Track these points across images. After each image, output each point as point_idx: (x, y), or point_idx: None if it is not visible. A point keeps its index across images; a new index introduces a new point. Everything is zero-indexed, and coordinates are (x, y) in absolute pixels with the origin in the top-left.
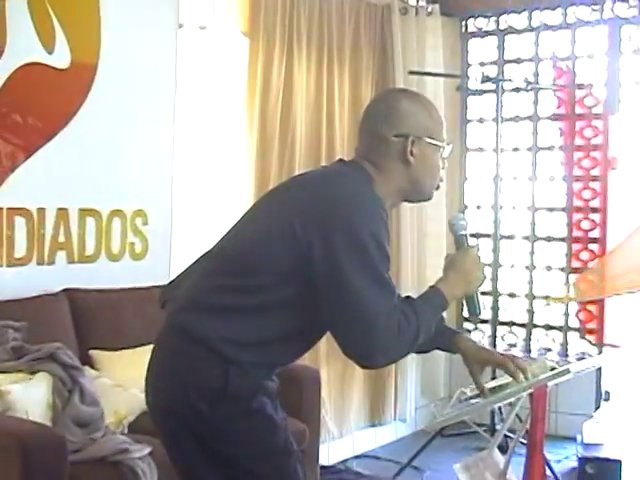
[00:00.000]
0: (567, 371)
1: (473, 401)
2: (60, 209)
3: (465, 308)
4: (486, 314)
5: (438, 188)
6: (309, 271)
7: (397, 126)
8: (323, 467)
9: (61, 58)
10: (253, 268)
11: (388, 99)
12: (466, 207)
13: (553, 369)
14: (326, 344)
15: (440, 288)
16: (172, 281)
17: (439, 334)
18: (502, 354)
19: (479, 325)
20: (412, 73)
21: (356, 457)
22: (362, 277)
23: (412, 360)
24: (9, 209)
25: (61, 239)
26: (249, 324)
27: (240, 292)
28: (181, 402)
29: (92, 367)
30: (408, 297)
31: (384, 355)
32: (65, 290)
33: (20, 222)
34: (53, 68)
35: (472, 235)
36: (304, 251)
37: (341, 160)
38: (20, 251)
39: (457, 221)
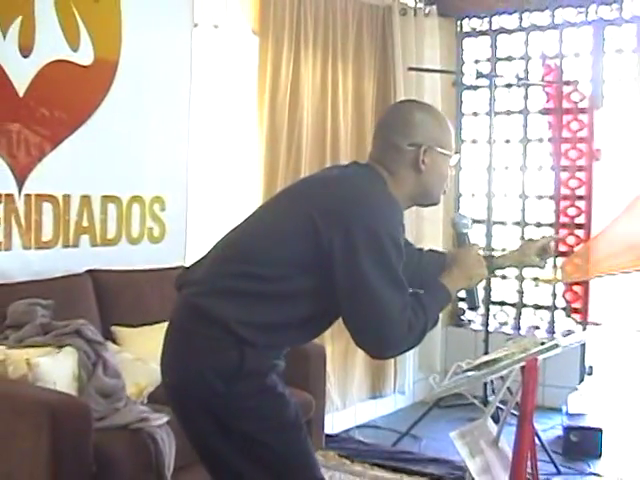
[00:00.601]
0: (556, 345)
1: (469, 374)
2: (84, 196)
3: (466, 300)
4: (480, 300)
5: (445, 193)
6: (328, 266)
7: (410, 136)
8: (328, 435)
9: (85, 55)
10: (272, 259)
11: (402, 110)
12: (461, 195)
13: (543, 344)
14: None
15: (444, 284)
16: (188, 267)
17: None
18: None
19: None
20: (411, 69)
21: (358, 427)
22: (379, 275)
23: None
24: (37, 196)
25: (85, 224)
26: (266, 309)
27: (258, 279)
28: (197, 381)
29: (114, 342)
30: (415, 293)
31: (395, 349)
32: (89, 271)
33: (47, 208)
34: (78, 65)
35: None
36: (325, 247)
37: (356, 162)
38: (47, 235)
39: (459, 220)
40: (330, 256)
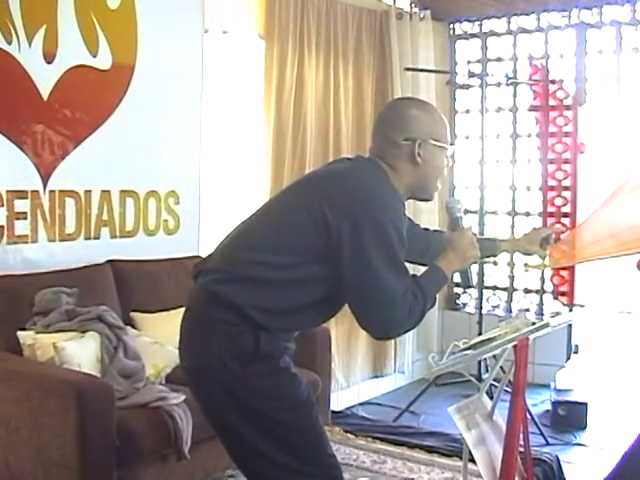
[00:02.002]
0: (547, 325)
1: (465, 352)
2: (104, 191)
3: (460, 279)
4: (473, 279)
5: (438, 189)
6: (336, 254)
7: (406, 131)
8: (333, 412)
9: (104, 60)
10: (283, 248)
11: (398, 107)
12: (455, 187)
13: (534, 324)
14: None
15: (441, 266)
16: (205, 257)
17: (484, 249)
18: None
19: (467, 289)
20: (407, 69)
21: (361, 404)
22: (383, 262)
23: None
24: (60, 191)
25: (105, 217)
26: (279, 295)
27: (270, 267)
28: (215, 364)
29: (133, 327)
30: (413, 276)
31: (397, 330)
32: (109, 261)
33: (70, 203)
34: (97, 69)
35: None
36: (333, 236)
37: (360, 156)
38: (70, 228)
39: (454, 204)
40: (338, 245)
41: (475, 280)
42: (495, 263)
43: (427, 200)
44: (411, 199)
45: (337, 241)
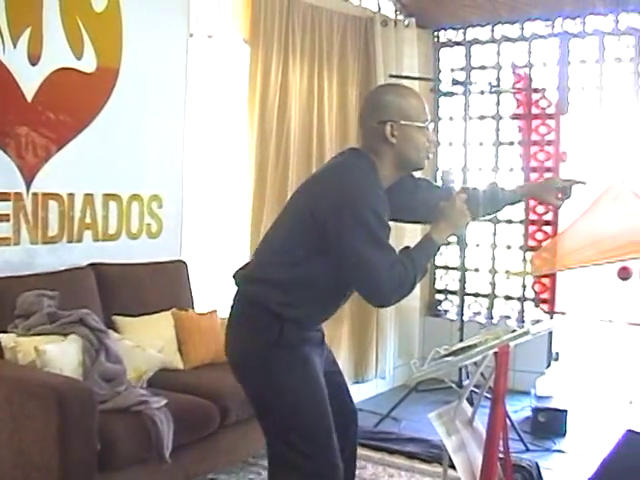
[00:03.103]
0: (527, 332)
1: (446, 359)
2: (87, 194)
3: (457, 242)
4: (454, 286)
5: (429, 158)
6: (328, 244)
7: (378, 115)
8: None
9: (88, 63)
10: (291, 246)
11: (373, 95)
12: None
13: (514, 331)
14: None
15: (432, 237)
16: (244, 265)
17: (503, 197)
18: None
19: (448, 296)
20: (392, 76)
21: None
22: (365, 243)
23: (390, 326)
24: (44, 194)
25: (88, 220)
26: (296, 290)
27: (285, 265)
28: (249, 349)
29: (115, 330)
30: (407, 247)
31: (389, 298)
32: (91, 264)
33: (53, 206)
34: (81, 72)
35: None
36: (322, 229)
37: (352, 149)
38: (53, 230)
39: (447, 176)
40: (327, 236)
41: (458, 286)
42: (477, 270)
43: (420, 169)
44: (405, 173)
45: (325, 233)
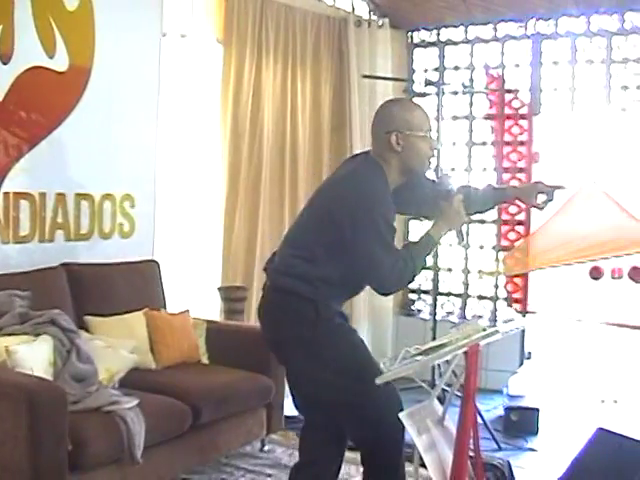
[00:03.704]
0: (496, 331)
1: (417, 358)
2: (59, 194)
3: (457, 237)
4: (427, 286)
5: (430, 163)
6: (343, 243)
7: (386, 125)
8: (287, 417)
9: (61, 62)
10: (308, 242)
11: (382, 108)
12: None
13: (484, 330)
14: None
15: (431, 234)
16: (271, 256)
17: (494, 196)
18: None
19: (422, 295)
20: (365, 77)
21: None
22: (374, 244)
23: (364, 326)
24: (15, 193)
25: (60, 220)
26: (318, 283)
27: (304, 260)
28: (288, 332)
29: (87, 331)
30: (408, 243)
31: (391, 289)
32: (63, 264)
33: (24, 205)
34: (54, 71)
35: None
36: (338, 231)
37: (365, 154)
38: (24, 230)
39: (445, 179)
40: (342, 234)
41: (431, 286)
42: (449, 270)
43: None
44: (408, 178)
45: (341, 233)
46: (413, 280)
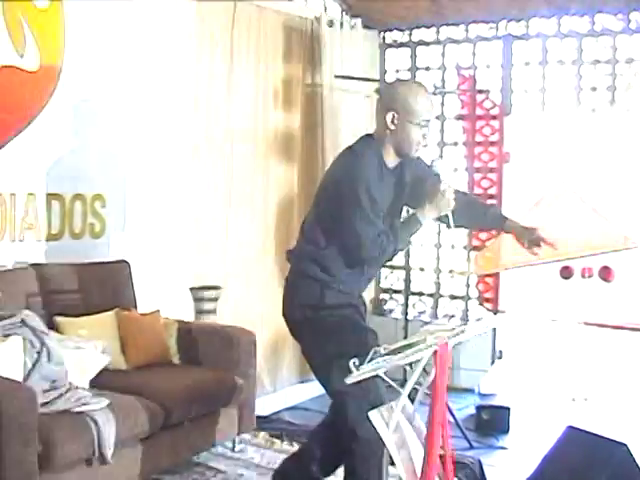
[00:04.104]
0: (463, 331)
1: (385, 357)
2: (29, 194)
3: (445, 222)
4: (399, 285)
5: (417, 150)
6: (334, 218)
7: (387, 102)
8: (259, 417)
9: (31, 61)
10: (315, 225)
11: (392, 84)
12: None
13: (453, 329)
14: (261, 310)
15: (418, 216)
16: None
17: (484, 219)
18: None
19: (393, 295)
20: (337, 77)
21: (288, 409)
22: (356, 217)
23: None
24: None
25: (30, 220)
26: (328, 261)
27: (312, 242)
28: (297, 313)
29: (57, 331)
30: (393, 223)
31: (372, 262)
32: (33, 264)
33: None
34: (24, 70)
35: None
36: (331, 206)
37: (366, 134)
38: None
39: (435, 166)
40: (333, 210)
41: (402, 285)
42: (422, 269)
43: (411, 155)
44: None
45: (332, 209)
46: (395, 254)
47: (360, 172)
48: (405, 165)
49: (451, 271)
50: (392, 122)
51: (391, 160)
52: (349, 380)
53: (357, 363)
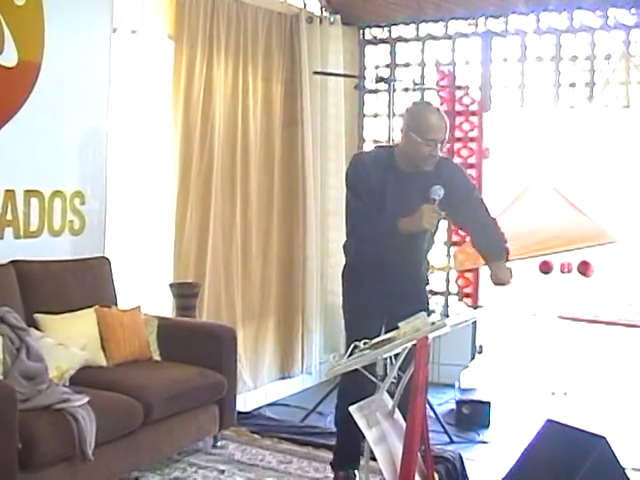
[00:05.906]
0: (443, 324)
1: (364, 352)
2: (8, 190)
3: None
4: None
5: (428, 164)
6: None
7: (405, 120)
8: (240, 413)
9: (9, 58)
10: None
11: (413, 105)
12: None
13: (433, 324)
14: (242, 307)
15: (398, 224)
16: None
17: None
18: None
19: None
20: (316, 73)
21: (269, 405)
22: (351, 197)
23: (316, 321)
24: None
25: (9, 217)
26: (353, 247)
27: (347, 238)
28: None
29: (37, 328)
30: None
31: (364, 231)
32: (12, 262)
33: None
34: (2, 66)
35: None
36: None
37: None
38: None
39: (434, 191)
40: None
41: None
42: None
43: (419, 169)
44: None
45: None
46: (367, 236)
47: (359, 165)
48: (442, 173)
49: (431, 266)
50: (403, 137)
51: (406, 166)
52: (327, 375)
53: (336, 357)
